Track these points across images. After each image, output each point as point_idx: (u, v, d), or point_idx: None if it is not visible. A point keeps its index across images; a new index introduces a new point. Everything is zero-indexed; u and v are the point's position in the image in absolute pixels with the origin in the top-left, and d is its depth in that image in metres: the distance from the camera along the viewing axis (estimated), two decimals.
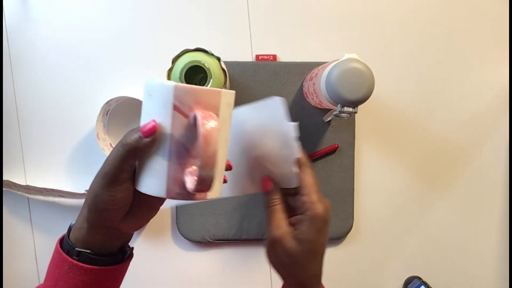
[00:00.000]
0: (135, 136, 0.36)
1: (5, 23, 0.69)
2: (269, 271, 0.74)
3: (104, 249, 0.41)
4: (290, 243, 0.42)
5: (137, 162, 0.38)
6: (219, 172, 0.39)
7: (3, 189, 0.69)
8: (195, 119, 0.35)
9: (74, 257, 0.40)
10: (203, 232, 0.71)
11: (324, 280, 0.47)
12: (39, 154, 0.70)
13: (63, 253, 0.40)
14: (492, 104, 0.73)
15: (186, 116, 0.36)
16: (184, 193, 0.37)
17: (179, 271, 0.73)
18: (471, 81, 0.73)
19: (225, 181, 0.43)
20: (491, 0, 0.72)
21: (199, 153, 0.34)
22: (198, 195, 0.37)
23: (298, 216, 0.43)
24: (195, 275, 0.73)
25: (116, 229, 0.40)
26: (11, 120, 0.70)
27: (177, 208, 0.70)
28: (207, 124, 0.34)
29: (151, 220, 0.69)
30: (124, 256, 0.44)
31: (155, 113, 0.36)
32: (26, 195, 0.70)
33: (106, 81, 0.70)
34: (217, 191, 0.39)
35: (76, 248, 0.40)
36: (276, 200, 0.44)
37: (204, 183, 0.35)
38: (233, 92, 0.39)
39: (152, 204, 0.42)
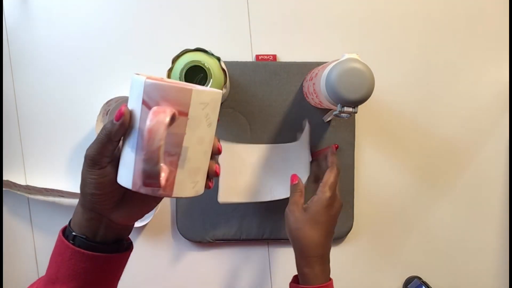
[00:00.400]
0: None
1: (5, 23, 0.69)
2: (269, 271, 0.74)
3: (98, 236, 0.42)
4: (299, 211, 0.58)
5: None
6: (191, 172, 0.38)
7: (3, 189, 0.69)
8: None
9: (70, 241, 0.41)
10: (203, 232, 0.71)
11: None
12: (39, 154, 0.70)
13: (64, 240, 0.41)
14: (492, 104, 0.73)
15: None
16: (147, 187, 0.37)
17: (179, 271, 0.73)
18: (471, 81, 0.73)
19: (209, 187, 0.42)
20: (491, 0, 0.72)
21: (143, 146, 0.34)
22: (162, 191, 0.37)
23: (311, 198, 0.58)
24: (195, 275, 0.73)
25: (108, 217, 0.41)
26: (11, 120, 0.70)
27: (177, 208, 0.70)
28: (154, 119, 0.34)
29: (151, 220, 0.70)
30: (121, 246, 0.44)
31: (131, 106, 0.38)
32: (26, 195, 0.70)
33: (106, 81, 0.70)
34: (188, 191, 0.38)
35: (72, 233, 0.41)
36: (299, 188, 0.60)
37: (149, 178, 0.35)
38: (213, 91, 0.38)
39: (144, 199, 0.42)
